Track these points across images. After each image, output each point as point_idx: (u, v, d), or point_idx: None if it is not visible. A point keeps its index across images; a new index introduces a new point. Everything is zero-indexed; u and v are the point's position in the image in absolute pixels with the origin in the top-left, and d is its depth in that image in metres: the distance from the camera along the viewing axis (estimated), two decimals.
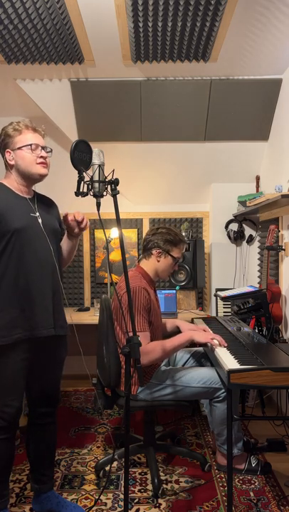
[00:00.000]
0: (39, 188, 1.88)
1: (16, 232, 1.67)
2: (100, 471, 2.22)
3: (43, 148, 1.77)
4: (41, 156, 1.75)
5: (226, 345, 2.01)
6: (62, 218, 1.86)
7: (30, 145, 1.73)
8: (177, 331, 2.40)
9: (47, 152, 1.78)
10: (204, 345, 2.24)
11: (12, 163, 1.74)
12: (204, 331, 2.23)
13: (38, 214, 1.77)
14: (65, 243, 1.93)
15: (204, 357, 2.43)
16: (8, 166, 1.77)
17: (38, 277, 1.72)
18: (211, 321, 2.60)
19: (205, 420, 2.81)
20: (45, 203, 1.88)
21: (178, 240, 2.24)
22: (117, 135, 3.21)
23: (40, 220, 1.76)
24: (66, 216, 1.82)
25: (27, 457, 1.93)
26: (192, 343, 2.15)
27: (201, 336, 2.09)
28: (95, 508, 1.95)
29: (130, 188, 3.58)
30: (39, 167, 1.75)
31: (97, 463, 2.27)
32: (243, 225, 3.54)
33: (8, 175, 1.79)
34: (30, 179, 1.77)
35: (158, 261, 2.22)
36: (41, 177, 1.78)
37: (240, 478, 2.18)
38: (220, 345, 2.01)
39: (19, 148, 1.72)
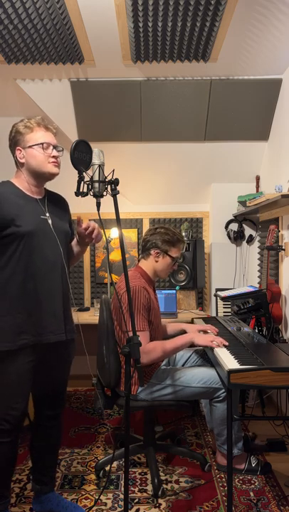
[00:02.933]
0: None
1: (26, 236, 1.64)
2: (100, 471, 2.22)
3: (55, 147, 1.73)
4: (53, 156, 1.71)
5: (226, 344, 2.01)
6: (76, 223, 1.83)
7: (42, 144, 1.69)
8: (183, 333, 2.38)
9: (58, 151, 1.74)
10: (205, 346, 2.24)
11: (22, 161, 1.71)
12: (205, 331, 2.22)
13: (48, 215, 1.74)
14: (73, 248, 1.92)
15: (204, 357, 2.43)
16: (19, 164, 1.73)
17: (47, 281, 1.70)
18: (210, 321, 2.60)
19: (205, 420, 2.81)
20: (57, 203, 1.85)
21: (176, 239, 2.23)
22: (117, 135, 3.21)
23: (50, 222, 1.73)
24: (79, 223, 1.79)
25: (30, 457, 1.93)
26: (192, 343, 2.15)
27: (202, 338, 2.08)
28: (95, 508, 1.95)
29: (130, 188, 3.58)
30: (51, 166, 1.71)
31: (97, 463, 2.27)
32: (243, 225, 3.54)
33: (18, 174, 1.75)
34: (41, 178, 1.74)
35: (156, 261, 2.22)
36: (52, 176, 1.74)
37: (240, 478, 2.18)
38: (220, 345, 2.01)
39: (30, 146, 1.69)
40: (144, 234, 2.32)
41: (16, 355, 1.65)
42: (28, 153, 1.70)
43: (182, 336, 2.14)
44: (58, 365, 1.82)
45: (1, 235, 1.63)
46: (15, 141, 1.72)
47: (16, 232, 1.63)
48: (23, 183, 1.73)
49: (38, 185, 1.76)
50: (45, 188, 1.83)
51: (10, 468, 1.74)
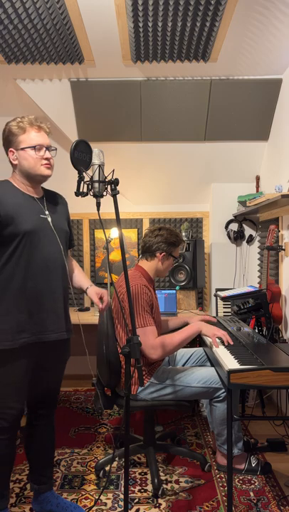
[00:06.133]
0: None
1: (26, 235, 1.64)
2: (100, 471, 2.22)
3: (48, 148, 1.72)
4: (45, 158, 1.70)
5: (231, 342, 2.01)
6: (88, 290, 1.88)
7: (34, 147, 1.68)
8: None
9: (51, 151, 1.73)
10: (206, 346, 2.24)
11: (15, 163, 1.71)
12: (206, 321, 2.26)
13: (47, 214, 1.75)
14: (75, 281, 1.94)
15: (204, 357, 2.43)
16: (12, 166, 1.73)
17: (48, 280, 1.70)
18: (210, 321, 2.59)
19: (205, 420, 2.81)
20: (55, 202, 1.85)
21: (179, 240, 2.29)
22: (117, 135, 3.21)
23: (50, 220, 1.74)
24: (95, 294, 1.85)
25: (26, 457, 1.93)
26: (192, 343, 2.15)
27: (209, 329, 2.11)
28: (95, 508, 1.95)
29: (130, 188, 3.58)
30: (43, 168, 1.70)
31: (97, 463, 2.27)
32: (243, 225, 3.54)
33: (14, 174, 1.75)
34: (33, 180, 1.73)
35: (162, 263, 2.24)
36: (44, 178, 1.74)
37: (240, 478, 2.18)
38: (224, 343, 2.02)
39: (22, 149, 1.68)
40: (144, 234, 2.33)
41: (16, 354, 1.65)
42: (21, 156, 1.69)
43: (190, 325, 2.15)
44: (55, 365, 1.83)
45: (1, 234, 1.62)
46: (7, 141, 1.71)
47: (16, 231, 1.63)
48: (19, 183, 1.74)
49: (32, 186, 1.75)
50: (42, 187, 1.83)
51: (8, 466, 1.74)
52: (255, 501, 1.98)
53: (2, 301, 1.65)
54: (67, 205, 1.93)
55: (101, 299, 1.83)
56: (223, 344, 2.02)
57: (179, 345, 2.09)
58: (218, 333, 2.07)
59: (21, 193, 1.72)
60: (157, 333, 2.18)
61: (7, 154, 1.73)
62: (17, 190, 1.72)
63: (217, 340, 2.04)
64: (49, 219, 1.74)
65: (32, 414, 1.88)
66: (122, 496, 2.03)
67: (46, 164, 1.71)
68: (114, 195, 1.57)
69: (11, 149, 1.71)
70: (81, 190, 1.56)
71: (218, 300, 3.28)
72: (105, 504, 1.98)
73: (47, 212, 1.75)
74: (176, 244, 2.25)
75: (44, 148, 1.71)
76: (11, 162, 1.73)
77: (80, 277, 1.96)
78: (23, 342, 1.65)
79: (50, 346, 1.73)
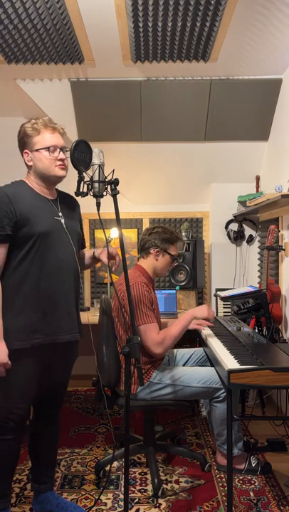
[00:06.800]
0: None
1: (40, 236, 1.64)
2: (100, 471, 2.22)
3: (62, 149, 1.72)
4: (60, 159, 1.70)
5: (213, 316, 2.28)
6: (95, 253, 1.94)
7: (48, 148, 1.68)
8: None
9: (66, 151, 1.73)
10: (206, 346, 2.24)
11: (30, 164, 1.71)
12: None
13: (61, 215, 1.75)
14: (86, 260, 1.96)
15: (204, 357, 2.43)
16: (27, 167, 1.74)
17: (61, 281, 1.70)
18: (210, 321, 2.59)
19: (205, 420, 2.81)
20: (68, 204, 1.85)
21: (174, 237, 2.28)
22: (117, 135, 3.21)
23: (63, 222, 1.74)
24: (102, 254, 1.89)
25: (29, 456, 1.93)
26: (192, 343, 2.15)
27: (202, 310, 2.21)
28: (95, 508, 1.95)
29: (130, 188, 3.58)
30: (57, 169, 1.70)
31: (97, 463, 2.27)
32: (243, 225, 3.54)
33: (28, 175, 1.75)
34: (48, 181, 1.74)
35: (156, 260, 2.24)
36: (59, 179, 1.74)
37: (240, 478, 2.18)
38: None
39: (37, 150, 1.68)
40: (142, 234, 2.34)
41: (27, 354, 1.65)
42: (35, 157, 1.69)
43: (183, 315, 2.17)
44: (64, 365, 1.84)
45: (16, 235, 1.63)
46: (22, 143, 1.72)
47: (31, 232, 1.63)
48: (33, 184, 1.74)
49: (47, 187, 1.76)
50: (56, 189, 1.83)
51: (12, 466, 1.74)
52: (255, 501, 1.98)
53: (15, 301, 1.65)
54: (79, 206, 1.93)
55: (112, 258, 1.86)
56: (222, 343, 2.02)
57: (179, 336, 2.11)
58: (210, 312, 2.22)
59: (36, 194, 1.72)
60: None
61: (22, 156, 1.74)
62: (32, 191, 1.72)
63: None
64: (62, 221, 1.74)
65: (38, 413, 1.89)
66: (122, 496, 2.03)
67: (60, 165, 1.71)
68: (114, 195, 1.58)
69: (25, 151, 1.71)
70: (81, 190, 1.56)
71: (218, 300, 3.28)
72: (105, 504, 1.98)
73: (60, 214, 1.75)
74: (170, 241, 2.25)
75: (58, 149, 1.71)
76: (26, 163, 1.73)
77: (87, 254, 2.00)
78: (36, 342, 1.65)
79: (62, 347, 1.74)
